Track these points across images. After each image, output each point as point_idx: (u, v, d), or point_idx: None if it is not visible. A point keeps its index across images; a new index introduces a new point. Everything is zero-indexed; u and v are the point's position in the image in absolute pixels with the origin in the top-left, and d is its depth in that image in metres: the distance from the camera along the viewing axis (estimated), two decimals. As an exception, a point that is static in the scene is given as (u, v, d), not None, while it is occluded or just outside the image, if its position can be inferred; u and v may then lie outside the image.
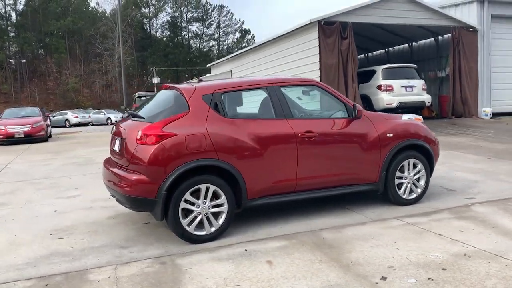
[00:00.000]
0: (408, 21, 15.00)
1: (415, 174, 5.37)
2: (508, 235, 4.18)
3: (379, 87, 14.62)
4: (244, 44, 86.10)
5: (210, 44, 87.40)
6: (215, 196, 4.32)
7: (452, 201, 5.46)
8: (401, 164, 5.25)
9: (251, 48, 18.65)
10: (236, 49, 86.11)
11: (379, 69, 14.84)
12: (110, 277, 3.54)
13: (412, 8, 14.92)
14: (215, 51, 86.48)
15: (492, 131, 12.98)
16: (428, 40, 18.63)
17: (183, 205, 4.18)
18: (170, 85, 4.85)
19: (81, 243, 4.41)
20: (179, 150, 4.16)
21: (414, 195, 5.40)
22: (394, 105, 14.48)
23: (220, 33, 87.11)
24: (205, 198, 4.27)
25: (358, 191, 5.14)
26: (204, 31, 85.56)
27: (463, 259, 3.62)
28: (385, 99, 14.49)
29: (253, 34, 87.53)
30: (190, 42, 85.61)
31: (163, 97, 4.90)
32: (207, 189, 4.26)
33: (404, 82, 14.71)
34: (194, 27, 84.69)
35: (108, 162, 4.88)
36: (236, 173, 4.34)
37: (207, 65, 28.06)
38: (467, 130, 13.47)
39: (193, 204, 4.23)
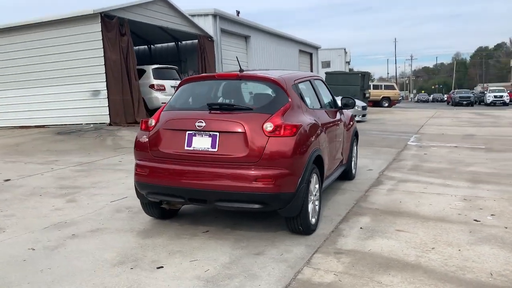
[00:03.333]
0: (169, 25, 15.88)
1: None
2: (450, 186, 6.18)
3: (151, 86, 14.87)
4: None
5: None
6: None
7: (367, 173, 7.14)
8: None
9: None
10: None
11: (149, 68, 15.05)
12: (338, 276, 3.31)
13: (174, 15, 15.93)
14: None
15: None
16: (165, 44, 19.93)
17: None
18: (246, 74, 4.35)
19: (203, 264, 3.54)
20: (308, 139, 4.07)
21: (354, 171, 6.78)
22: (168, 104, 15.15)
23: None
24: (309, 187, 4.30)
25: (342, 171, 6.08)
26: None
27: (475, 201, 5.31)
28: (160, 98, 14.91)
29: None
30: None
31: (243, 86, 4.41)
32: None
33: (172, 82, 15.56)
34: None
35: (186, 164, 3.94)
36: (324, 161, 4.55)
37: None
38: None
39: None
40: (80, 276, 3.34)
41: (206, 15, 18.71)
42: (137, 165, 4.20)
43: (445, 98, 66.55)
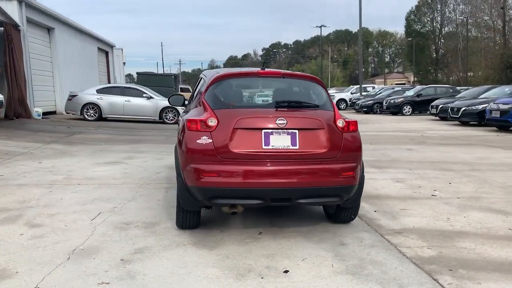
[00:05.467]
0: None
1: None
2: (369, 172, 7.32)
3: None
4: None
5: None
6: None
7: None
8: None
9: None
10: None
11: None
12: (432, 250, 3.80)
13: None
14: None
15: (92, 128, 14.19)
16: None
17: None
18: (289, 72, 4.26)
19: (320, 261, 3.50)
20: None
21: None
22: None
23: None
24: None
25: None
26: None
27: (405, 182, 6.52)
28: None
29: None
30: None
31: (292, 84, 4.33)
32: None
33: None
34: None
35: (265, 163, 3.71)
36: None
37: None
38: (60, 129, 13.83)
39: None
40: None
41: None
42: (198, 170, 3.70)
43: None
